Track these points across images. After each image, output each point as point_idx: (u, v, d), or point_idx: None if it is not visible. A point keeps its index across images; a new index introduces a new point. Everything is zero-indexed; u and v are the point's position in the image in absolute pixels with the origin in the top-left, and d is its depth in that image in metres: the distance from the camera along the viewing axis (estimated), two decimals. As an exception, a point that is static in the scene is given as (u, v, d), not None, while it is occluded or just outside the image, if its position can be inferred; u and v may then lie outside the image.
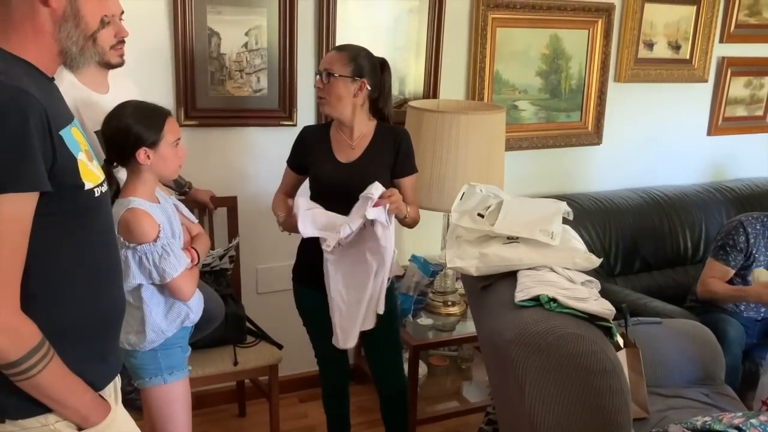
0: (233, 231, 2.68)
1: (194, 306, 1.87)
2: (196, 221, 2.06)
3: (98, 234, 1.28)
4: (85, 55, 1.24)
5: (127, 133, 1.71)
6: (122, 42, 1.99)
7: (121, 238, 1.70)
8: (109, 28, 1.87)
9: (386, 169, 2.20)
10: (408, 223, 2.20)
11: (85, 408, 1.25)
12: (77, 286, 1.24)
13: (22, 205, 1.10)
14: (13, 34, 1.17)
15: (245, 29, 2.60)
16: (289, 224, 2.12)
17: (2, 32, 1.17)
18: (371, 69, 2.13)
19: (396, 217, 2.11)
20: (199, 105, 2.60)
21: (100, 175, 1.27)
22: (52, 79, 1.24)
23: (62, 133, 1.16)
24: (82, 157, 1.20)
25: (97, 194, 1.24)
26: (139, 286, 1.76)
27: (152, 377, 1.85)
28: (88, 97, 1.96)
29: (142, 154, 1.73)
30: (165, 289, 1.79)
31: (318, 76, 2.14)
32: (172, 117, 1.80)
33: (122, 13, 1.99)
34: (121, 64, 2.04)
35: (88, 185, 1.21)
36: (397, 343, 2.35)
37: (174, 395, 1.87)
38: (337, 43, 2.71)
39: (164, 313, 1.81)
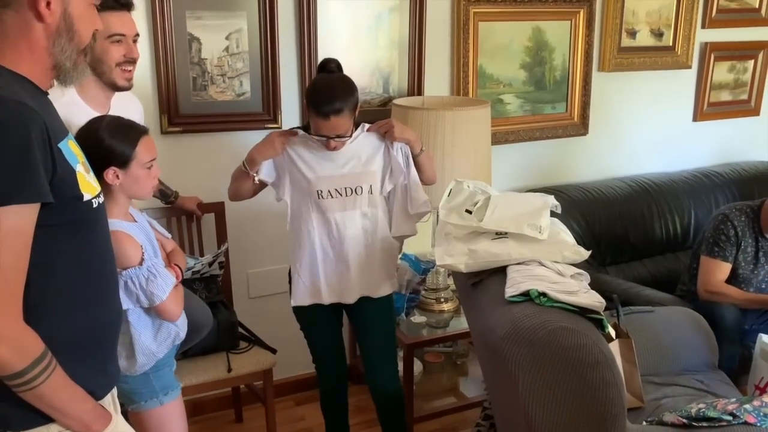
0: (222, 237, 2.66)
1: (181, 323, 1.82)
2: (170, 236, 1.99)
3: (96, 244, 1.30)
4: (77, 69, 1.26)
5: (98, 146, 1.61)
6: (131, 62, 1.89)
7: None
8: (119, 46, 1.86)
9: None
10: (427, 173, 2.24)
11: (87, 417, 1.26)
12: (77, 296, 1.25)
13: (24, 217, 1.12)
14: (8, 50, 1.18)
15: (225, 33, 2.58)
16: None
17: None
18: (356, 90, 2.07)
19: (413, 155, 2.16)
20: (182, 111, 2.58)
21: (97, 187, 1.29)
22: (46, 93, 1.26)
23: (60, 145, 1.18)
24: (80, 169, 1.22)
25: (95, 205, 1.27)
26: (125, 310, 1.67)
27: (148, 400, 1.80)
28: (86, 116, 1.84)
29: (110, 174, 1.64)
30: (151, 310, 1.73)
31: (331, 141, 2.04)
32: (149, 137, 1.71)
33: (137, 35, 1.92)
34: (127, 88, 1.92)
35: (86, 196, 1.23)
36: (391, 347, 2.34)
37: (171, 413, 1.84)
38: (319, 43, 2.70)
39: (153, 334, 1.75)
